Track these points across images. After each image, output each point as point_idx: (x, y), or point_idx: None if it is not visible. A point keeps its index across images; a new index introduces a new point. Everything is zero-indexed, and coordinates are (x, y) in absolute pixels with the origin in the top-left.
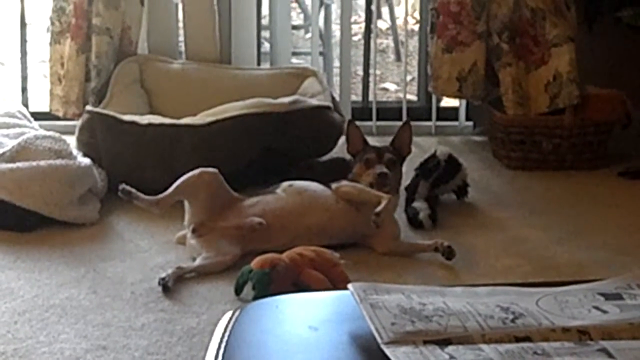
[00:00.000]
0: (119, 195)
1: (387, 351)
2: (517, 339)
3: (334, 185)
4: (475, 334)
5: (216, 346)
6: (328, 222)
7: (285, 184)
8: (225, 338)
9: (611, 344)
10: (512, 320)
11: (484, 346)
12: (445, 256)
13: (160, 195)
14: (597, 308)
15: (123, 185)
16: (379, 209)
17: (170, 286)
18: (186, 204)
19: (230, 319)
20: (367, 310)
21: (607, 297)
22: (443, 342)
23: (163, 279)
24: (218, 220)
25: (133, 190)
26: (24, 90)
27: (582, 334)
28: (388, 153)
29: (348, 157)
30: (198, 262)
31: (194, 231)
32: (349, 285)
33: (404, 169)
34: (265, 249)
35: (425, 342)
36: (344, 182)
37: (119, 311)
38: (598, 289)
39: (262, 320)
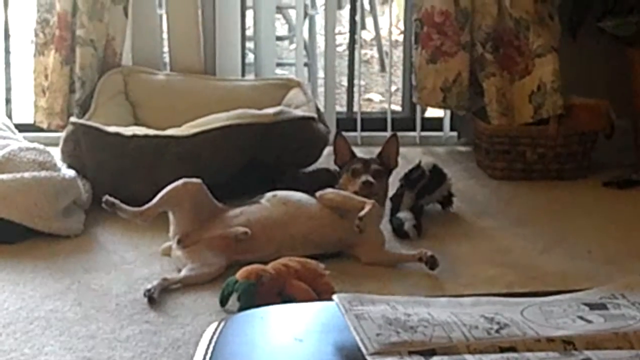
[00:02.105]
0: (103, 207)
1: None
2: (502, 350)
3: (318, 194)
4: (460, 344)
5: (201, 357)
6: (313, 231)
7: (269, 194)
8: (211, 349)
9: (596, 354)
10: (497, 331)
11: (468, 357)
12: (429, 266)
13: (144, 207)
14: (581, 318)
15: (107, 197)
16: (362, 213)
17: (156, 297)
18: (170, 215)
19: (216, 330)
20: (352, 321)
21: (592, 307)
22: (428, 353)
23: (149, 290)
24: (203, 231)
25: (116, 201)
26: (7, 102)
27: (567, 344)
28: (374, 164)
29: (333, 167)
30: (183, 273)
31: (179, 242)
32: (334, 297)
33: (390, 180)
34: (250, 259)
35: (410, 353)
36: (329, 190)
37: (104, 323)
38: (582, 299)
39: (248, 331)
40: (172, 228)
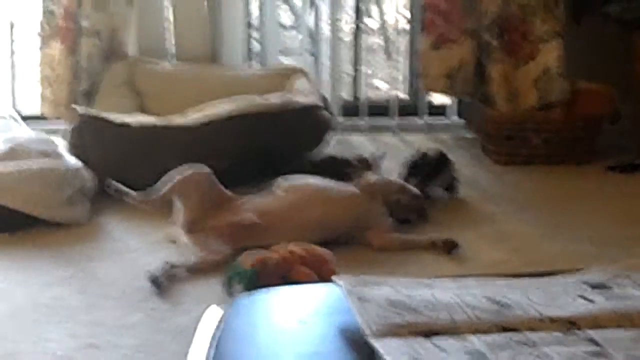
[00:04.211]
0: (109, 193)
1: (375, 344)
2: (505, 329)
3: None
4: (463, 325)
5: (208, 340)
6: (327, 215)
7: (281, 179)
8: (216, 331)
9: (598, 333)
10: (500, 311)
11: (471, 337)
12: (447, 249)
13: (153, 195)
14: (583, 297)
15: (110, 181)
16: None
17: (163, 282)
18: (177, 202)
19: (220, 313)
20: (355, 304)
21: (594, 287)
22: (431, 334)
23: (155, 276)
24: (211, 219)
25: (120, 186)
26: (13, 92)
27: (570, 324)
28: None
29: (339, 155)
30: (190, 260)
31: (185, 229)
32: (337, 278)
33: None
34: (260, 245)
35: (413, 334)
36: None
37: (109, 310)
38: (585, 279)
39: (251, 313)
40: (179, 215)
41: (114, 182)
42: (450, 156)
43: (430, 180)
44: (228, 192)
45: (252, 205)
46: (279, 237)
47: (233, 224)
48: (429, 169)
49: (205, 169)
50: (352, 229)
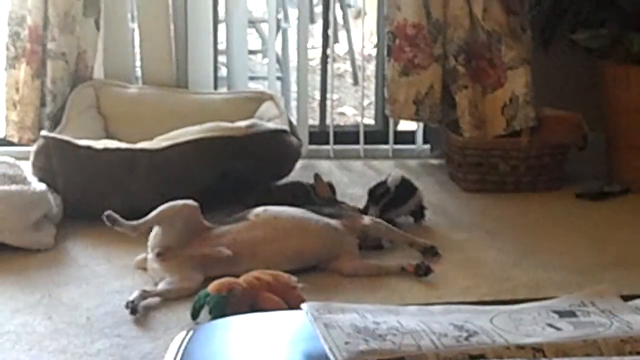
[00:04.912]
0: (104, 221)
1: None
2: (472, 357)
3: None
4: (429, 352)
5: None
6: (306, 245)
7: (259, 209)
8: (178, 358)
9: None
10: (466, 339)
11: None
12: (422, 273)
13: (140, 221)
14: (551, 325)
15: (109, 212)
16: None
17: (139, 309)
18: (156, 228)
19: (183, 339)
20: (321, 330)
21: (561, 314)
22: None
23: (132, 302)
24: (185, 247)
25: (118, 217)
26: None
27: (536, 351)
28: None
29: (306, 181)
30: (162, 286)
31: (158, 255)
32: (303, 305)
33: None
34: (233, 274)
35: None
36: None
37: (75, 337)
38: (552, 307)
39: (215, 340)
40: (153, 240)
41: (111, 213)
42: (417, 183)
43: (393, 207)
44: (206, 223)
45: (229, 237)
46: (252, 266)
47: (207, 255)
48: (390, 198)
49: (194, 203)
50: (323, 258)
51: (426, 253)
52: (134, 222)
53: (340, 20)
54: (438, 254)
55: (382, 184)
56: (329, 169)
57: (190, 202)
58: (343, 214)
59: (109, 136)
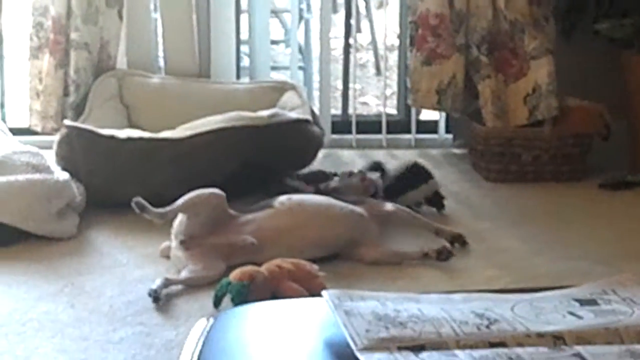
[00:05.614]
0: (132, 207)
1: (362, 357)
2: (492, 345)
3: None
4: (449, 339)
5: (190, 354)
6: (329, 233)
7: (284, 197)
8: (199, 345)
9: (586, 349)
10: (487, 326)
11: (458, 352)
12: (443, 257)
13: (168, 208)
14: (572, 313)
15: (138, 199)
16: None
17: (161, 297)
18: (182, 217)
19: (205, 326)
20: (342, 317)
21: (582, 302)
22: (417, 348)
23: (154, 291)
24: (209, 236)
25: (146, 204)
26: (2, 105)
27: (557, 339)
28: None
29: (327, 169)
30: (185, 274)
31: (182, 243)
32: (324, 293)
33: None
34: (256, 262)
35: (400, 348)
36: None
37: (97, 325)
38: (573, 295)
39: (237, 327)
40: (177, 228)
41: (140, 200)
42: (438, 172)
43: (399, 192)
44: (231, 211)
45: (254, 225)
46: (275, 254)
47: (231, 243)
48: (390, 185)
49: (221, 192)
50: (347, 245)
51: (454, 241)
52: (162, 210)
53: (362, 10)
54: (466, 243)
55: (377, 164)
56: (351, 159)
57: (217, 191)
58: (366, 200)
59: (132, 126)
